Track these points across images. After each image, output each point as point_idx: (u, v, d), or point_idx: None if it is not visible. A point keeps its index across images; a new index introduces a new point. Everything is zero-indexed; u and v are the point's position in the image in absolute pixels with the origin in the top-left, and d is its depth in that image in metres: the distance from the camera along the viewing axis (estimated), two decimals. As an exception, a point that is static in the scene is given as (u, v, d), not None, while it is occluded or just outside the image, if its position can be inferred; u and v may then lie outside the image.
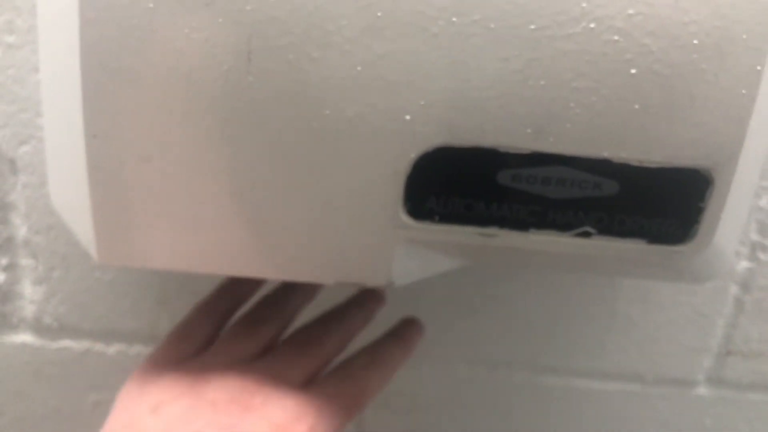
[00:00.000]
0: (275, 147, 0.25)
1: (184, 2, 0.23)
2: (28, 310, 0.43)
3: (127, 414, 0.29)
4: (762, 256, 0.41)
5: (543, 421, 0.46)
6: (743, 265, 0.41)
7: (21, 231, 0.40)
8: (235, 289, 0.35)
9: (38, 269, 0.42)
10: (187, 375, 0.30)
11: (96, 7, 0.23)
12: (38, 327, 0.43)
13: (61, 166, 0.28)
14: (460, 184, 0.26)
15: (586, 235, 0.26)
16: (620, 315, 0.43)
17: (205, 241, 0.27)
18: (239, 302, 0.35)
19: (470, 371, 0.45)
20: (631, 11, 0.23)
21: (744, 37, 0.24)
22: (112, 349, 0.44)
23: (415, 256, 0.27)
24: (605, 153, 0.25)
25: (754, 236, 0.41)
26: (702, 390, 0.45)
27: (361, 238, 0.27)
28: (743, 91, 0.24)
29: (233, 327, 0.33)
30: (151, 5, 0.23)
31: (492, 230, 0.26)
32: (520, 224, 0.26)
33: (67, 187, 0.28)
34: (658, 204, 0.26)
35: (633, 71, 0.24)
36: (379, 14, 0.23)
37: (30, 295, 0.42)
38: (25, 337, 0.44)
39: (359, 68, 0.24)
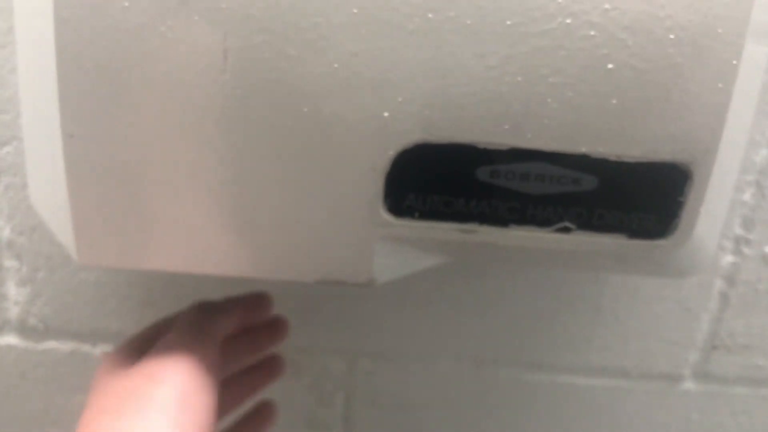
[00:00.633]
0: (253, 145, 0.25)
1: (159, 1, 0.23)
2: (13, 311, 0.43)
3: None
4: (746, 250, 0.41)
5: (529, 416, 0.46)
6: (728, 259, 0.42)
7: (4, 232, 0.40)
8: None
9: (22, 270, 0.41)
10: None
11: (70, 7, 0.23)
12: (23, 328, 0.43)
13: (40, 167, 0.28)
14: (439, 181, 0.26)
15: (566, 230, 0.26)
16: (606, 311, 0.43)
17: (184, 241, 0.27)
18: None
19: (456, 368, 0.45)
20: (606, 6, 0.23)
21: (720, 31, 0.24)
22: (98, 350, 0.44)
23: (395, 253, 0.27)
24: (583, 148, 0.25)
25: (739, 231, 0.41)
26: (688, 384, 0.45)
27: (342, 236, 0.27)
28: (720, 86, 0.24)
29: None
30: (126, 4, 0.23)
31: (472, 226, 0.26)
32: (500, 220, 0.26)
33: (47, 188, 0.28)
34: (638, 199, 0.26)
35: (610, 66, 0.24)
36: (354, 11, 0.23)
37: (14, 296, 0.42)
38: (10, 339, 0.43)
39: (336, 65, 0.24)
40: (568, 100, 0.24)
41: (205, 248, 0.27)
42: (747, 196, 0.40)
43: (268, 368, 0.39)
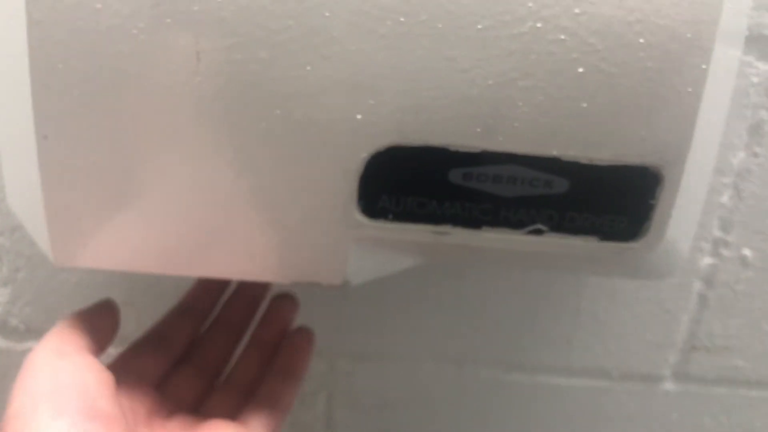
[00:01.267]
0: (226, 147, 0.25)
1: (131, 3, 0.23)
2: (-6, 312, 0.43)
3: None
4: (725, 252, 0.42)
5: (510, 417, 0.46)
6: (706, 261, 0.42)
7: (-15, 233, 0.40)
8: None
9: (3, 271, 0.41)
10: None
11: (43, 9, 0.23)
12: (4, 329, 0.43)
13: (16, 168, 0.28)
14: (412, 183, 0.26)
15: (538, 232, 0.27)
16: (585, 312, 0.43)
17: (159, 242, 0.27)
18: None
19: (437, 369, 0.45)
20: (577, 10, 0.23)
21: (689, 36, 0.24)
22: (80, 350, 0.44)
23: (369, 255, 0.28)
24: (554, 151, 0.25)
25: (717, 232, 0.41)
26: (668, 385, 0.46)
27: (316, 238, 0.27)
28: (689, 89, 0.25)
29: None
30: (99, 6, 0.23)
31: (445, 228, 0.27)
32: (473, 222, 0.26)
33: (23, 189, 0.28)
34: (609, 201, 0.26)
35: (580, 70, 0.24)
36: (326, 14, 0.23)
37: (-5, 297, 0.42)
38: (-9, 340, 0.43)
39: (308, 68, 0.24)
40: (538, 103, 0.24)
41: (179, 249, 0.27)
42: (725, 199, 0.40)
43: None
